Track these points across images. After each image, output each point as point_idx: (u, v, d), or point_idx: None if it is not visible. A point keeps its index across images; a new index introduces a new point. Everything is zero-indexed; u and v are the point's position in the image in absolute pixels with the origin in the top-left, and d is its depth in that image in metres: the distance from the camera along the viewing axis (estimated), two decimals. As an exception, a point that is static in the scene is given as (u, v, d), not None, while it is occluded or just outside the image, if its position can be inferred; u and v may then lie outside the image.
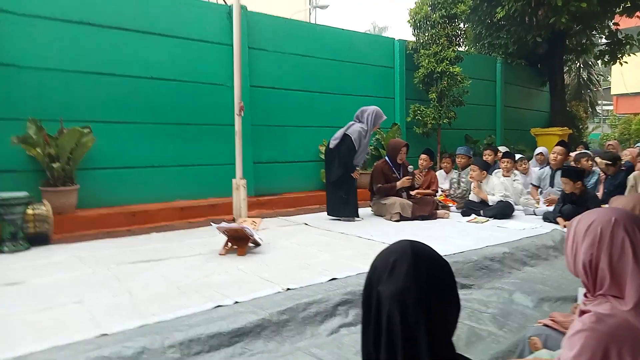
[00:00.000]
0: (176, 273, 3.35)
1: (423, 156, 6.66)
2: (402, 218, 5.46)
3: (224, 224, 3.99)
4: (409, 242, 1.05)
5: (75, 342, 2.20)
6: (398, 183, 5.69)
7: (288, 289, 2.96)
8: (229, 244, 3.94)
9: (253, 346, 2.38)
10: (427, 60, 8.03)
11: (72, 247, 4.21)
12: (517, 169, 6.67)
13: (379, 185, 5.74)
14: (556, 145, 6.29)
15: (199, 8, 6.16)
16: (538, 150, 7.40)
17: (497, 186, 5.80)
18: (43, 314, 2.58)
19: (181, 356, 2.20)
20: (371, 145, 7.42)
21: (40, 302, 2.75)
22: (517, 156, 6.96)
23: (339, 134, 5.55)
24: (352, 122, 5.62)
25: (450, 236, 4.62)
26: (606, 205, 5.07)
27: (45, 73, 5.00)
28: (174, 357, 2.18)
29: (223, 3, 8.68)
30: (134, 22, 5.55)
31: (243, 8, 5.95)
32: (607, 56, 11.12)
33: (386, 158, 5.92)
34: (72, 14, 5.13)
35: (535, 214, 5.74)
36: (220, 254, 3.86)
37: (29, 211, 4.18)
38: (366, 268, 3.24)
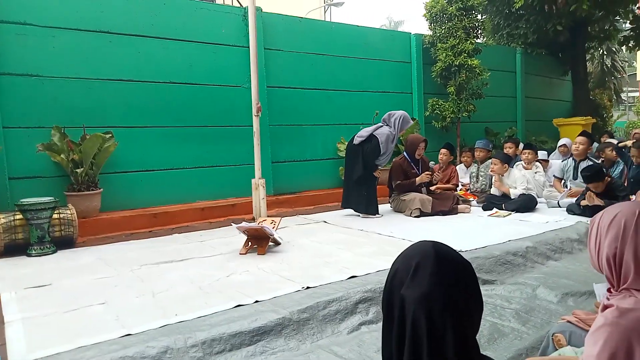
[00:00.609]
0: (198, 273, 3.39)
1: (443, 151, 6.60)
2: (422, 214, 5.42)
3: (244, 224, 4.03)
4: (430, 243, 1.04)
5: (101, 342, 2.26)
6: (417, 179, 5.65)
7: (308, 287, 2.97)
8: (249, 243, 3.98)
9: (274, 344, 2.41)
10: (444, 54, 7.94)
11: (97, 249, 4.31)
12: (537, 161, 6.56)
13: (399, 181, 5.71)
14: (578, 135, 6.15)
15: (214, 12, 6.21)
16: (561, 142, 7.25)
17: (518, 179, 5.70)
18: (70, 315, 2.66)
19: (203, 355, 2.24)
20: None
21: (67, 303, 2.82)
22: (541, 153, 6.83)
23: (365, 132, 5.53)
24: (381, 124, 5.61)
25: (472, 231, 4.57)
26: (633, 197, 4.97)
27: (68, 82, 5.12)
28: (197, 356, 2.22)
29: (238, 5, 8.73)
30: (151, 29, 5.63)
31: (258, 10, 5.98)
32: (631, 42, 10.79)
33: (405, 154, 5.88)
34: (91, 23, 5.24)
35: (559, 206, 5.62)
36: (240, 253, 3.90)
37: (55, 215, 4.29)
38: (386, 265, 3.23)
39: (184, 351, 2.21)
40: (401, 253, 1.06)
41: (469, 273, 1.01)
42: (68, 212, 4.42)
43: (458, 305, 0.95)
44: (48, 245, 4.18)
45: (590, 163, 5.74)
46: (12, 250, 4.12)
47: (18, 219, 4.16)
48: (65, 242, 4.36)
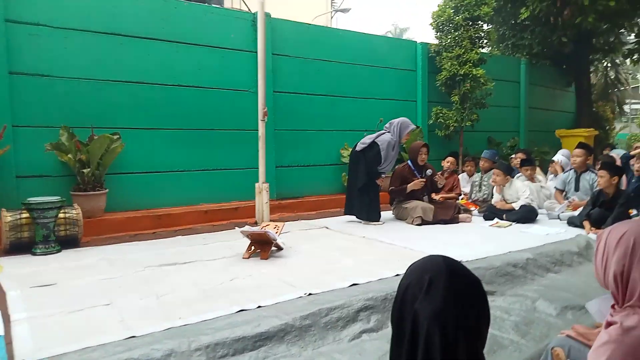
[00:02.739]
0: (201, 276, 3.43)
1: (450, 159, 6.64)
2: (424, 222, 5.45)
3: (247, 228, 4.07)
4: (441, 258, 1.06)
5: (106, 343, 2.30)
6: (409, 185, 5.66)
7: (310, 293, 3.01)
8: (252, 248, 4.02)
9: (276, 350, 2.44)
10: (449, 63, 7.99)
11: (101, 249, 4.35)
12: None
13: (392, 187, 5.76)
14: (575, 148, 6.18)
15: (224, 17, 6.28)
16: (555, 157, 7.37)
17: (520, 189, 5.74)
18: (75, 315, 2.70)
19: (207, 359, 2.27)
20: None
21: (72, 303, 2.86)
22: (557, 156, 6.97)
23: (367, 139, 5.59)
24: (383, 131, 5.67)
25: (473, 241, 4.60)
26: (634, 211, 4.99)
27: (77, 82, 5.18)
28: (200, 360, 2.25)
29: (247, 11, 8.80)
30: (161, 32, 5.69)
31: (267, 15, 6.04)
32: (636, 55, 10.83)
33: (409, 162, 5.92)
34: (102, 25, 5.30)
35: (559, 219, 5.65)
36: (243, 258, 3.94)
37: (61, 215, 4.34)
38: (388, 273, 3.27)
39: (188, 354, 2.25)
40: (412, 266, 1.09)
41: (480, 290, 1.04)
42: (74, 211, 4.47)
43: (470, 321, 0.99)
44: (53, 245, 4.22)
45: (593, 174, 5.77)
46: (17, 248, 4.16)
47: (24, 218, 4.20)
48: (69, 242, 4.40)
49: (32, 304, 2.86)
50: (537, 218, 5.64)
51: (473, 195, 6.58)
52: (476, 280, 1.05)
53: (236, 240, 4.50)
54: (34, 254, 4.13)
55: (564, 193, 6.16)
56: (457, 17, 8.05)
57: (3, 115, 4.71)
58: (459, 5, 8.06)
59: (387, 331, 2.76)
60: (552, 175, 7.09)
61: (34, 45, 4.94)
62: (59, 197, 4.36)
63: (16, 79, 4.85)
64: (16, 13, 4.83)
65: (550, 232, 4.95)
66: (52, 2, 5.02)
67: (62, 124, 4.97)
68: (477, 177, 6.69)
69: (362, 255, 4.04)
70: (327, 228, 5.35)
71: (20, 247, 4.16)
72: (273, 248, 4.07)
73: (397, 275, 3.31)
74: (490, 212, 5.78)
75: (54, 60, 5.05)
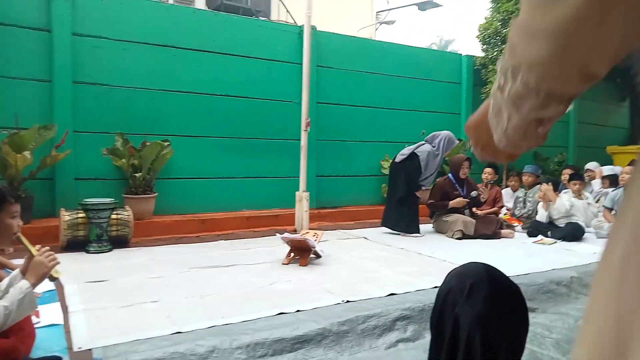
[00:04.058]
0: (243, 279, 3.55)
1: (487, 170, 6.52)
2: (464, 236, 5.39)
3: (287, 235, 4.17)
4: (483, 265, 1.09)
5: (154, 337, 2.43)
6: (451, 202, 5.60)
7: (348, 301, 3.06)
8: (292, 254, 4.11)
9: (314, 353, 2.50)
10: (495, 76, 7.87)
11: (149, 250, 4.57)
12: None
13: (431, 201, 5.72)
14: (627, 164, 5.94)
15: (272, 30, 6.50)
16: (587, 165, 7.21)
17: (566, 202, 5.60)
18: (126, 309, 2.86)
19: (247, 357, 2.36)
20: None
21: (123, 299, 3.04)
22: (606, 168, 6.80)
23: (407, 150, 5.61)
24: (423, 142, 5.66)
25: (515, 257, 4.51)
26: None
27: (133, 92, 5.50)
28: (241, 358, 2.35)
29: (293, 23, 9.02)
30: (212, 44, 5.96)
31: (313, 28, 6.19)
32: (697, 70, 10.30)
33: (450, 175, 5.88)
34: (157, 38, 5.62)
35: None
36: (283, 263, 4.04)
37: (113, 216, 4.59)
38: (426, 285, 3.28)
39: (229, 352, 2.35)
40: (452, 272, 1.12)
41: (520, 297, 1.06)
42: (125, 213, 4.72)
43: (510, 327, 1.01)
44: (105, 244, 4.46)
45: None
46: (73, 246, 4.42)
47: (81, 217, 4.46)
48: (120, 242, 4.64)
49: (87, 297, 3.06)
50: (584, 236, 5.46)
51: (517, 211, 6.44)
52: (516, 288, 1.07)
53: (276, 246, 4.61)
54: (88, 251, 4.38)
55: (613, 211, 5.92)
56: (505, 30, 7.94)
57: (66, 121, 5.07)
58: (506, 18, 7.95)
59: (424, 342, 2.77)
60: (588, 179, 6.86)
61: (97, 56, 5.29)
62: (113, 199, 4.62)
63: (79, 88, 5.20)
64: (82, 27, 5.20)
65: (597, 250, 4.77)
66: (113, 16, 5.37)
67: (118, 131, 5.29)
68: (521, 192, 6.54)
69: (401, 266, 4.05)
70: (365, 238, 5.38)
71: (75, 244, 4.43)
72: (312, 255, 4.15)
73: (435, 287, 3.28)
74: (535, 229, 5.63)
75: (113, 70, 5.39)
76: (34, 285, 1.97)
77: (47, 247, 2.08)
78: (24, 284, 1.95)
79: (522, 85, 0.57)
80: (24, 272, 2.02)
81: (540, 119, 0.61)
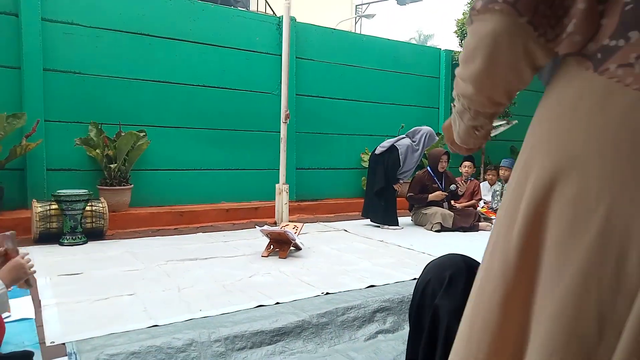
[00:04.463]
0: (221, 272, 3.51)
1: (466, 163, 6.59)
2: (443, 228, 5.45)
3: (267, 227, 4.14)
4: (461, 256, 1.08)
5: (130, 330, 2.38)
6: (430, 196, 5.67)
7: (327, 293, 3.05)
8: (271, 247, 4.08)
9: (293, 346, 2.49)
10: (473, 71, 7.95)
11: (125, 242, 4.47)
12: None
13: (410, 194, 5.77)
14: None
15: (250, 20, 6.40)
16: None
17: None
18: (101, 303, 2.79)
19: (225, 350, 2.33)
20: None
21: (98, 292, 2.96)
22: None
23: (387, 143, 5.63)
24: (403, 136, 5.69)
25: (492, 249, 4.58)
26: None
27: (107, 80, 5.35)
28: (219, 351, 2.32)
29: (272, 13, 8.93)
30: (188, 33, 5.83)
31: (292, 19, 6.13)
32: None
33: (428, 168, 5.93)
34: (132, 25, 5.47)
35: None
36: (262, 256, 4.01)
37: (88, 208, 4.48)
38: (405, 277, 3.29)
39: (207, 345, 2.32)
40: (431, 263, 1.12)
41: None
42: (100, 205, 4.61)
43: None
44: (80, 236, 4.35)
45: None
46: (45, 238, 4.31)
47: (53, 209, 4.35)
48: (95, 234, 4.54)
49: (60, 291, 2.98)
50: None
51: (494, 204, 6.54)
52: None
53: (256, 238, 4.58)
54: (62, 244, 4.27)
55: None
56: (483, 25, 8.01)
57: (37, 110, 4.90)
58: (484, 13, 8.02)
59: (403, 333, 2.79)
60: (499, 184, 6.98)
61: (68, 43, 5.12)
62: (87, 191, 4.51)
63: (50, 75, 5.03)
64: (52, 12, 5.02)
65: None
66: (85, 2, 5.20)
67: (92, 120, 5.14)
68: (498, 186, 6.65)
69: (380, 259, 4.06)
70: (345, 231, 5.39)
71: (48, 237, 4.31)
72: (292, 248, 4.13)
73: (414, 279, 3.32)
74: (510, 221, 5.72)
75: (86, 58, 5.22)
76: (8, 286, 1.89)
77: (27, 252, 2.00)
78: None
79: (461, 105, 0.92)
80: None
81: (475, 126, 0.93)
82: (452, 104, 0.97)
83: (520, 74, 0.79)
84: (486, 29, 0.76)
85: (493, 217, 6.13)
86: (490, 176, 7.20)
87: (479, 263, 1.07)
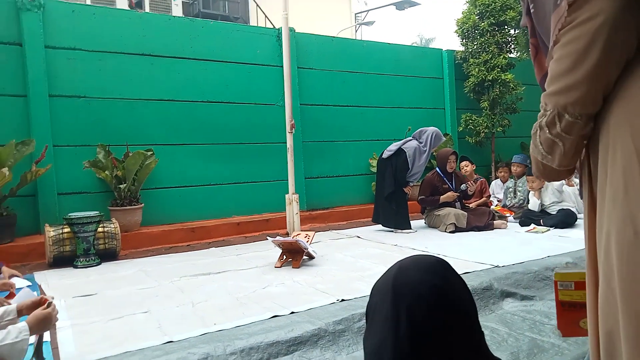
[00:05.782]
0: (235, 285, 3.47)
1: (462, 163, 6.52)
2: (457, 229, 5.37)
3: (279, 238, 4.11)
4: (394, 273, 0.99)
5: (145, 348, 2.35)
6: (442, 197, 5.59)
7: (343, 299, 3.00)
8: (284, 257, 4.04)
9: (310, 354, 2.44)
10: (477, 69, 7.91)
11: (138, 261, 4.47)
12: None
13: (422, 197, 5.70)
14: None
15: (250, 33, 6.45)
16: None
17: (554, 193, 5.60)
18: (115, 322, 2.77)
19: (242, 363, 2.29)
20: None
21: (112, 311, 2.95)
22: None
23: (393, 146, 5.59)
24: (410, 138, 5.64)
25: (509, 246, 4.49)
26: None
27: (112, 102, 5.41)
28: (236, 364, 2.28)
29: (272, 27, 8.98)
30: (190, 51, 5.89)
31: (291, 30, 6.16)
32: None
33: (437, 169, 5.86)
34: (134, 47, 5.54)
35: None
36: (275, 267, 3.97)
37: (100, 229, 4.49)
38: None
39: (223, 358, 2.27)
40: (376, 283, 1.06)
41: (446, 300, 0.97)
42: (112, 225, 4.61)
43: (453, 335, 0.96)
44: (93, 257, 4.36)
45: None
46: (60, 261, 4.32)
47: (66, 232, 4.36)
48: (108, 255, 4.54)
49: (74, 312, 2.96)
50: (576, 222, 5.46)
51: (508, 202, 6.44)
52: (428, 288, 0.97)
53: (268, 250, 4.54)
54: (76, 266, 4.27)
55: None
56: (483, 23, 7.98)
57: (44, 136, 4.96)
58: (483, 11, 8.00)
59: (422, 335, 2.71)
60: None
61: (72, 68, 5.19)
62: (98, 212, 4.52)
63: (56, 101, 5.10)
64: (55, 39, 5.10)
65: (590, 235, 4.77)
66: (86, 27, 5.27)
67: (99, 142, 5.19)
68: (510, 183, 6.54)
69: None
70: (358, 237, 5.33)
71: (63, 260, 4.32)
72: (304, 257, 4.08)
73: (431, 280, 3.25)
74: (527, 218, 5.63)
75: (90, 82, 5.29)
76: (32, 334, 1.85)
77: (52, 297, 2.00)
78: (24, 328, 1.81)
79: (571, 118, 0.95)
80: (20, 312, 1.91)
81: (584, 135, 0.97)
82: (538, 138, 1.06)
83: (630, 55, 0.88)
84: (596, 23, 0.86)
85: (507, 215, 6.03)
86: (503, 173, 7.10)
87: (412, 272, 0.98)
